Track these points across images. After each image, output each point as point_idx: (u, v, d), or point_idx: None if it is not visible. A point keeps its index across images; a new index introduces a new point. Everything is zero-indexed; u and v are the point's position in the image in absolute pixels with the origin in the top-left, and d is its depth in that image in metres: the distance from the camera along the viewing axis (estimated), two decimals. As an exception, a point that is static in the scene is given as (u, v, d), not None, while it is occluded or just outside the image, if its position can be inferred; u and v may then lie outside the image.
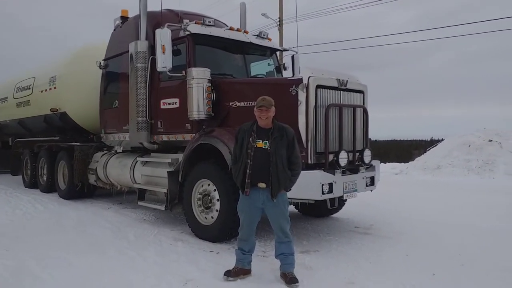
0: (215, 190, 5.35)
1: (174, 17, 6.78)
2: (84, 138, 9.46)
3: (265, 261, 4.56)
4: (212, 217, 5.41)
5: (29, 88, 10.20)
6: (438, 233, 5.85)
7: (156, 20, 6.58)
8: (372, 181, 5.73)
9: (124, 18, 7.62)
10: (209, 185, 5.46)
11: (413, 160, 16.88)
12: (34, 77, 10.14)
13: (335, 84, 5.27)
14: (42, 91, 9.63)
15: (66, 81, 8.91)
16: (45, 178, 10.08)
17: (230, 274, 4.01)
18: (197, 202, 5.62)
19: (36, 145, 10.56)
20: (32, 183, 10.77)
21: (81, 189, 8.80)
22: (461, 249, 4.99)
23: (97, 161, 8.37)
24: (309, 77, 4.98)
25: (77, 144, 8.98)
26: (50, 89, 9.31)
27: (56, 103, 9.13)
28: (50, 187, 9.79)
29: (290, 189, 3.97)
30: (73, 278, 4.08)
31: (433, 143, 23.11)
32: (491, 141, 14.80)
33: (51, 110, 9.22)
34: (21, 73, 11.26)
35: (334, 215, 6.86)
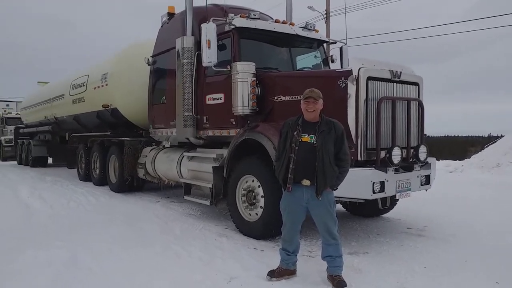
0: (259, 186, 5.25)
1: (220, 12, 6.73)
2: (134, 133, 9.75)
3: (311, 261, 4.40)
4: (257, 214, 5.32)
5: (83, 85, 10.64)
6: (501, 238, 5.38)
7: (202, 15, 6.56)
8: (427, 180, 5.37)
9: (170, 15, 7.69)
10: (253, 181, 5.37)
11: (469, 158, 15.91)
12: (88, 75, 10.57)
13: (388, 76, 4.95)
14: (95, 88, 10.01)
15: (116, 78, 9.20)
16: (97, 172, 10.48)
17: (273, 275, 3.88)
18: (241, 198, 5.55)
19: (89, 140, 11.02)
20: (86, 177, 11.23)
21: (131, 183, 9.05)
22: (529, 256, 4.54)
23: (146, 156, 8.57)
24: (359, 69, 4.72)
25: (127, 139, 9.24)
26: (102, 86, 9.65)
27: (108, 99, 9.45)
28: (102, 181, 10.16)
29: (337, 188, 3.76)
30: (121, 271, 4.13)
31: (491, 139, 21.72)
32: (559, 137, 13.59)
33: (103, 106, 9.56)
34: (76, 71, 11.80)
35: (385, 215, 6.53)
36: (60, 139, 14.56)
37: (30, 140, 16.48)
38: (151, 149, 8.56)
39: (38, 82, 18.35)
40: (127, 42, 10.04)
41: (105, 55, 10.73)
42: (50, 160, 16.98)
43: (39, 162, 16.25)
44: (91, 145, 10.88)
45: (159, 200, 8.33)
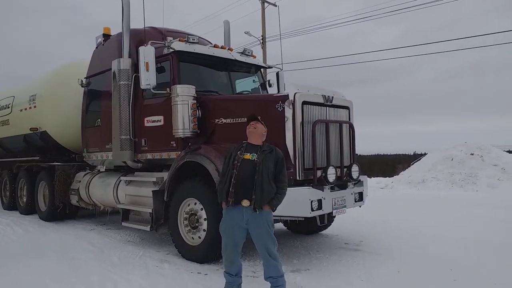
0: (202, 209, 5.23)
1: (158, 35, 6.72)
2: (65, 158, 9.21)
3: (255, 282, 4.44)
4: (200, 237, 5.27)
5: (8, 107, 9.94)
6: (428, 247, 5.82)
7: (139, 37, 6.52)
8: (360, 197, 5.70)
9: (106, 36, 7.54)
10: (195, 204, 5.34)
11: (397, 174, 17.03)
12: (14, 96, 9.90)
13: (321, 100, 5.27)
14: (21, 110, 9.39)
15: (46, 99, 8.72)
16: (24, 200, 9.75)
17: (219, 297, 3.86)
18: (183, 222, 5.48)
19: (15, 166, 10.24)
20: (11, 205, 10.42)
21: (63, 210, 8.52)
22: (452, 263, 4.96)
23: (79, 181, 8.15)
24: (295, 94, 4.97)
25: (58, 163, 8.75)
26: (30, 107, 9.09)
27: (36, 122, 8.91)
28: (30, 209, 9.47)
29: (275, 209, 3.86)
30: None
31: (416, 157, 23.40)
32: (472, 154, 15.07)
33: (31, 129, 8.97)
34: (0, 92, 11.00)
35: (324, 232, 6.79)
36: (-20, 165, 13.33)
37: None
38: (85, 174, 8.17)
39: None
40: (60, 63, 9.60)
41: (34, 76, 10.17)
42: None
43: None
44: (17, 171, 10.12)
45: (94, 228, 7.93)
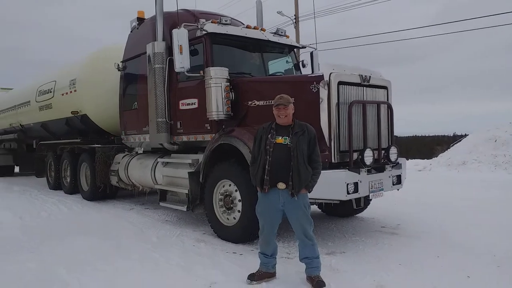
0: (236, 190, 5.28)
1: (191, 17, 6.72)
2: (105, 140, 9.55)
3: (290, 263, 4.45)
4: (234, 218, 5.34)
5: (51, 92, 10.34)
6: (469, 232, 5.62)
7: (173, 20, 6.54)
8: (398, 180, 5.55)
9: (140, 20, 7.62)
10: (230, 185, 5.39)
11: (436, 156, 16.50)
12: (55, 81, 10.28)
13: (358, 80, 5.10)
14: (63, 94, 9.75)
15: (85, 83, 9.00)
16: (68, 180, 10.21)
17: (254, 278, 3.91)
18: (218, 203, 5.56)
19: (59, 148, 10.71)
20: (56, 185, 10.93)
21: (104, 190, 8.86)
22: (496, 249, 4.77)
23: (119, 163, 8.42)
24: (330, 74, 4.84)
25: (99, 146, 9.05)
26: (71, 92, 9.42)
27: (77, 105, 9.23)
28: (73, 189, 9.91)
29: (311, 190, 3.84)
30: (99, 283, 4.05)
31: (456, 138, 22.56)
32: (518, 134, 14.30)
33: (72, 113, 9.33)
34: (43, 77, 11.45)
35: (360, 215, 6.70)
36: (27, 147, 14.04)
37: (-5, 149, 15.83)
38: (124, 156, 8.42)
39: (0, 88, 17.64)
40: (95, 46, 9.84)
41: (72, 60, 10.48)
42: (17, 169, 16.37)
43: (5, 172, 15.62)
44: (61, 153, 10.57)
45: (134, 207, 8.20)
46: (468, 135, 17.32)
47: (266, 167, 3.70)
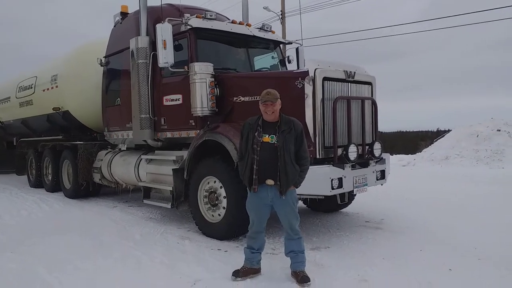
0: (221, 187, 5.24)
1: (175, 12, 6.63)
2: (87, 137, 9.38)
3: (275, 259, 4.44)
4: (219, 215, 5.30)
5: (31, 88, 10.11)
6: (451, 226, 5.71)
7: (157, 15, 6.44)
8: (382, 175, 5.59)
9: (124, 14, 7.47)
10: (215, 182, 5.35)
11: (420, 152, 16.72)
12: (36, 76, 10.05)
13: (342, 76, 5.11)
14: (44, 90, 9.54)
15: (67, 79, 8.81)
16: (50, 178, 10.01)
17: (238, 274, 3.89)
18: (203, 200, 5.51)
19: (40, 145, 10.49)
20: (37, 183, 10.72)
21: (86, 188, 8.71)
22: (476, 243, 4.84)
23: (101, 160, 8.29)
24: (315, 69, 4.83)
25: (81, 143, 8.88)
26: (52, 88, 9.21)
27: (59, 102, 9.04)
28: (55, 187, 9.72)
29: (299, 186, 3.84)
30: (79, 282, 3.99)
31: (439, 134, 22.89)
32: (499, 130, 14.59)
33: (53, 109, 9.13)
34: (23, 72, 11.18)
35: (344, 210, 6.74)
36: (7, 144, 13.70)
37: (-27, 147, 15.43)
38: (107, 153, 8.29)
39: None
40: (79, 42, 9.62)
41: (54, 56, 10.26)
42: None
43: (-16, 170, 15.24)
44: (42, 150, 10.34)
45: (117, 205, 8.09)
46: (451, 130, 17.59)
47: (254, 166, 3.69)
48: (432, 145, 16.80)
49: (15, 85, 11.01)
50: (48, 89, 9.37)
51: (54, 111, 9.15)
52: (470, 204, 7.23)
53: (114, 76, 7.69)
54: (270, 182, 3.69)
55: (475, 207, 7.00)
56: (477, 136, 14.63)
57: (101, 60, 7.83)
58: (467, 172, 11.58)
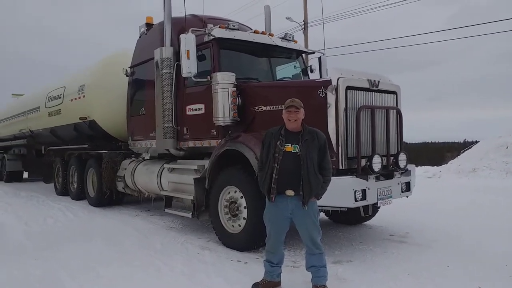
0: (242, 197, 5.20)
1: (199, 22, 6.72)
2: (112, 146, 9.55)
3: (295, 272, 4.35)
4: (240, 225, 5.26)
5: (60, 97, 10.41)
6: (480, 241, 5.47)
7: (181, 25, 6.53)
8: (408, 187, 5.43)
9: (149, 25, 7.64)
10: (235, 192, 5.32)
11: (446, 163, 16.27)
12: (65, 86, 10.35)
13: (366, 85, 5.02)
14: (72, 100, 9.80)
15: (94, 89, 9.03)
16: (75, 186, 10.23)
17: (258, 287, 3.83)
18: (224, 210, 5.49)
19: (67, 153, 10.75)
20: (63, 191, 10.96)
21: (110, 196, 8.85)
22: (508, 258, 4.62)
23: (125, 168, 8.40)
24: (338, 78, 4.76)
25: (106, 151, 9.06)
26: (79, 97, 9.46)
27: (85, 111, 9.26)
28: (80, 195, 9.92)
29: (321, 197, 3.76)
30: (100, 289, 4.01)
31: (466, 145, 22.27)
32: (531, 142, 14.05)
33: (80, 118, 9.35)
34: (53, 83, 11.54)
35: (367, 223, 6.57)
36: (36, 152, 14.14)
37: (4, 155, 15.96)
38: (130, 162, 8.41)
39: (12, 94, 17.86)
40: (107, 52, 9.89)
41: (82, 66, 10.56)
42: (25, 175, 16.49)
43: (14, 177, 15.72)
44: (68, 159, 10.61)
45: (139, 214, 8.17)
46: (478, 141, 17.07)
47: (274, 175, 3.61)
48: (459, 156, 16.33)
49: (45, 95, 11.36)
50: (75, 98, 9.63)
51: (81, 120, 9.38)
52: (500, 218, 6.93)
53: (139, 86, 7.84)
54: (290, 192, 3.61)
55: (506, 221, 6.70)
56: (507, 147, 14.13)
57: (126, 70, 8.00)
58: (496, 185, 11.16)
